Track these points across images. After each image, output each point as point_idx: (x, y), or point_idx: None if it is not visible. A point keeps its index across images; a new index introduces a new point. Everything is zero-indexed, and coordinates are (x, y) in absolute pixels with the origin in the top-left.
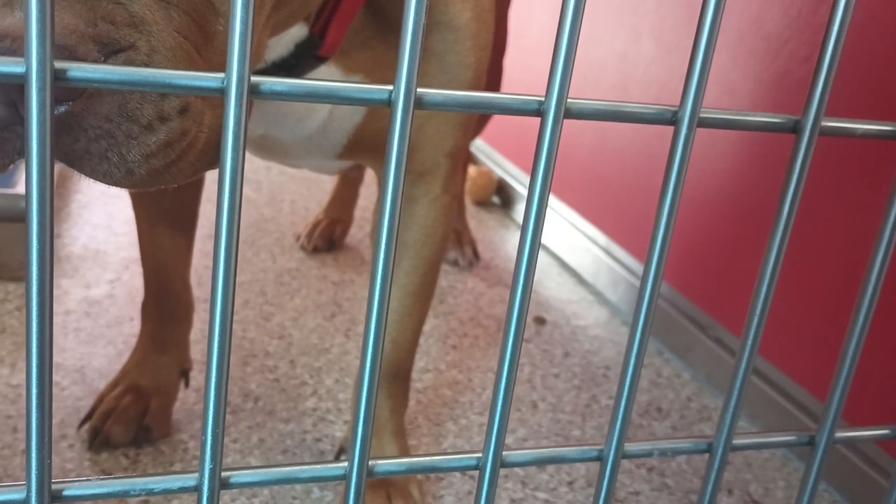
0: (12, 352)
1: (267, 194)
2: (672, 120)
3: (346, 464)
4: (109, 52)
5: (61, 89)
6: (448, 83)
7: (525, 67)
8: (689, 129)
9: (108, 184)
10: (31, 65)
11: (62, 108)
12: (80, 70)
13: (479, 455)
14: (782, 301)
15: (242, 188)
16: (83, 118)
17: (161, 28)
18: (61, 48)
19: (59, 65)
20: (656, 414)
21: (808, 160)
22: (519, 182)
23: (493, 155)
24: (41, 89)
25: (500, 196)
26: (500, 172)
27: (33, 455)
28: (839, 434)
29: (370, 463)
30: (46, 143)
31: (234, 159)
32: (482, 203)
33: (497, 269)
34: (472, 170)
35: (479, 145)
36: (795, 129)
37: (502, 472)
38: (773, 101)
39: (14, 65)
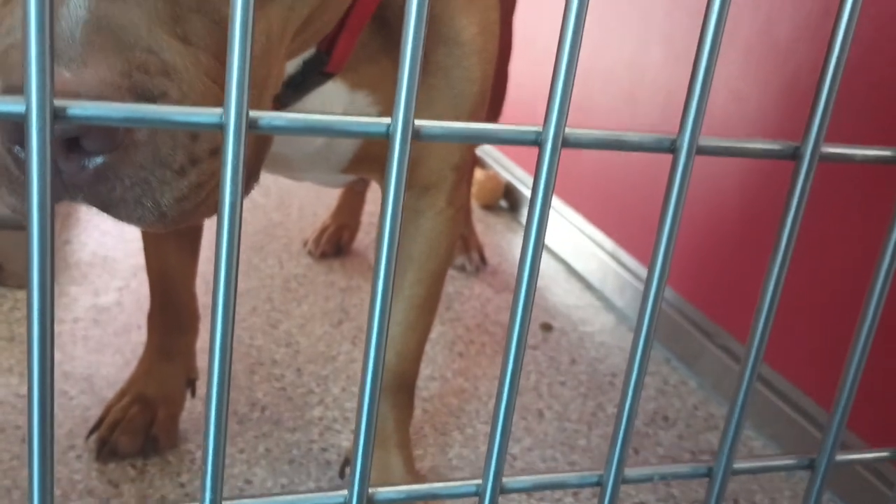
0: (21, 361)
1: (275, 199)
2: (671, 148)
3: (345, 492)
4: (143, 101)
5: (99, 141)
6: (454, 98)
7: (532, 74)
8: (688, 157)
9: (142, 227)
10: (30, 104)
11: (99, 160)
12: (79, 108)
13: (479, 482)
14: (788, 311)
15: (241, 222)
16: (119, 168)
17: (191, 74)
18: None
19: (58, 103)
20: (662, 423)
21: (808, 186)
22: (526, 186)
23: (500, 158)
24: (41, 129)
25: (508, 200)
26: (507, 176)
27: (35, 474)
28: (839, 457)
29: (370, 490)
30: (46, 185)
31: (233, 193)
32: (489, 207)
33: (504, 275)
34: (479, 173)
35: (486, 149)
36: (795, 155)
37: None
38: (780, 109)
39: (14, 104)
